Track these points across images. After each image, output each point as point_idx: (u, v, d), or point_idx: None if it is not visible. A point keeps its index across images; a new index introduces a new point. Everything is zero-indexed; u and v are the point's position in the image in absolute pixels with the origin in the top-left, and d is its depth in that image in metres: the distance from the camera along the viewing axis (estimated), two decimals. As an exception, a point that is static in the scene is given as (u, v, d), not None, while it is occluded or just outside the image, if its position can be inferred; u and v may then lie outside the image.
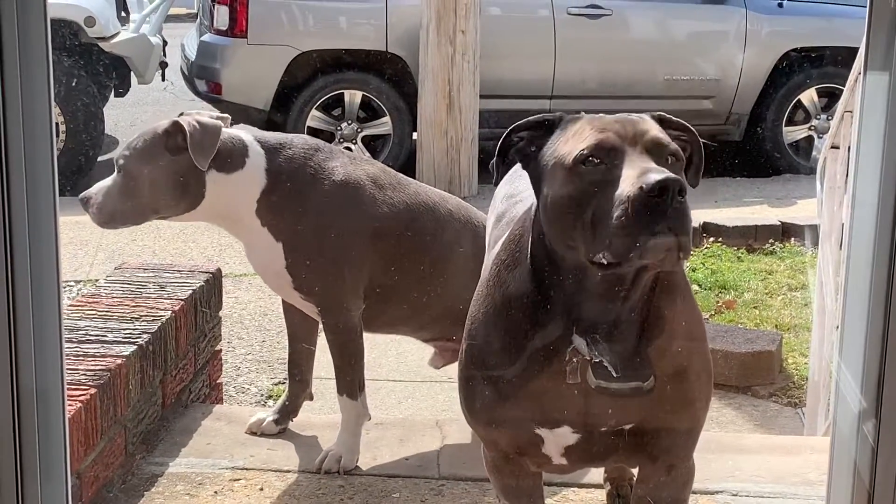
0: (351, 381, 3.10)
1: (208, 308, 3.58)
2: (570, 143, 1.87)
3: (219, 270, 3.71)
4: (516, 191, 2.42)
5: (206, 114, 3.02)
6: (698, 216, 6.60)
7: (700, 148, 1.96)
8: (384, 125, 7.78)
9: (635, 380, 1.89)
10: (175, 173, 2.88)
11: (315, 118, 7.67)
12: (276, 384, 4.40)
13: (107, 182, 2.93)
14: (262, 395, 4.33)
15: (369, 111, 7.78)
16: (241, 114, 7.59)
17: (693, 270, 5.79)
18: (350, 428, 3.12)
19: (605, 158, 1.81)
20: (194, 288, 3.50)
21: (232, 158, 2.94)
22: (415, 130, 7.75)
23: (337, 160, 3.01)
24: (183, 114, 2.98)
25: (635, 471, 2.25)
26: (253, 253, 3.05)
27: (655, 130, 1.87)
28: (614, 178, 1.77)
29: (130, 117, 8.97)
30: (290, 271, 2.96)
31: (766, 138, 8.14)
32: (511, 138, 1.96)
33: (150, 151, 2.88)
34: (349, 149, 7.43)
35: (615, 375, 1.78)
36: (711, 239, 6.41)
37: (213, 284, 3.64)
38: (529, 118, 1.97)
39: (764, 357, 4.54)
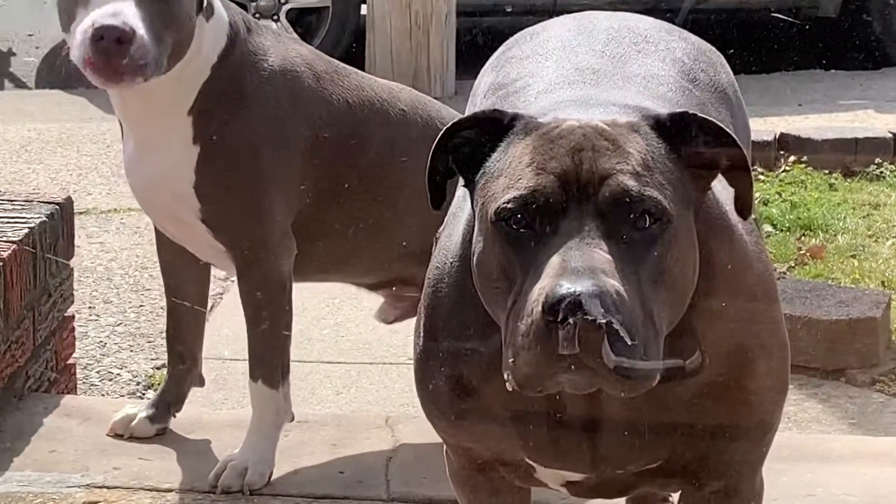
0: (271, 361, 3.13)
1: (53, 255, 3.55)
2: (503, 180, 1.88)
3: (69, 200, 3.69)
4: (507, 79, 2.40)
5: None
6: (774, 125, 6.57)
7: (746, 166, 1.94)
8: (319, -7, 7.77)
9: (672, 355, 1.88)
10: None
11: (220, -17, 7.60)
12: (158, 368, 4.40)
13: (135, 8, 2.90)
14: (138, 384, 4.34)
15: (298, -27, 7.76)
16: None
17: (764, 204, 5.78)
18: (263, 429, 3.14)
19: (534, 220, 1.83)
20: (32, 226, 3.46)
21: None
22: (363, 2, 7.70)
23: (265, 37, 3.09)
24: None
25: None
26: (144, 158, 3.06)
27: (626, 174, 1.84)
28: (540, 254, 1.80)
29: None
30: (198, 192, 3.01)
31: (874, 15, 8.12)
32: (447, 141, 1.98)
33: None
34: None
35: (638, 364, 1.76)
36: (792, 158, 6.40)
37: (62, 220, 3.61)
38: (472, 114, 2.01)
39: (864, 327, 4.53)
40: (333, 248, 3.17)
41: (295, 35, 6.97)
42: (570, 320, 1.72)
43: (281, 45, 3.12)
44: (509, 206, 1.84)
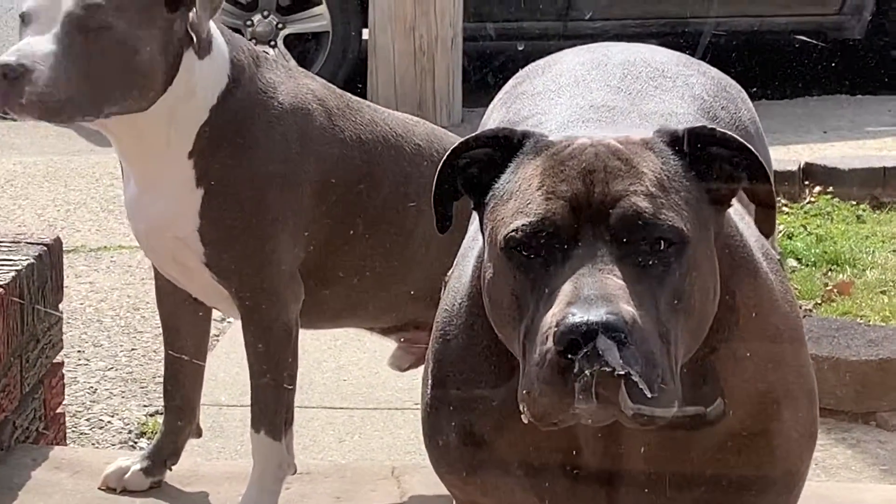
0: (275, 411, 3.13)
1: (42, 299, 3.55)
2: (512, 203, 1.90)
3: (58, 241, 3.69)
4: (518, 116, 2.40)
5: None
6: (799, 154, 6.57)
7: (767, 178, 1.95)
8: (318, 18, 7.77)
9: (693, 402, 1.89)
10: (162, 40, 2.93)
11: (214, 8, 7.65)
12: (152, 415, 4.39)
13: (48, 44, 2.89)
14: (130, 432, 4.33)
15: (296, -3, 7.80)
16: None
17: (789, 237, 5.77)
18: (265, 482, 3.14)
19: (545, 247, 1.84)
20: (19, 268, 3.46)
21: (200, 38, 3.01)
22: (365, 27, 7.71)
23: (275, 72, 3.10)
24: None
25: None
26: (145, 200, 3.07)
27: (639, 196, 1.85)
28: (553, 280, 1.81)
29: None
30: (202, 236, 3.02)
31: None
32: (455, 161, 1.99)
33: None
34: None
35: (655, 395, 1.75)
36: (817, 189, 6.39)
37: (50, 262, 3.61)
38: (481, 133, 2.02)
39: (894, 367, 4.52)
40: (345, 293, 3.18)
41: (294, 62, 6.99)
42: (587, 372, 1.72)
43: (291, 82, 3.11)
44: (518, 233, 1.85)
